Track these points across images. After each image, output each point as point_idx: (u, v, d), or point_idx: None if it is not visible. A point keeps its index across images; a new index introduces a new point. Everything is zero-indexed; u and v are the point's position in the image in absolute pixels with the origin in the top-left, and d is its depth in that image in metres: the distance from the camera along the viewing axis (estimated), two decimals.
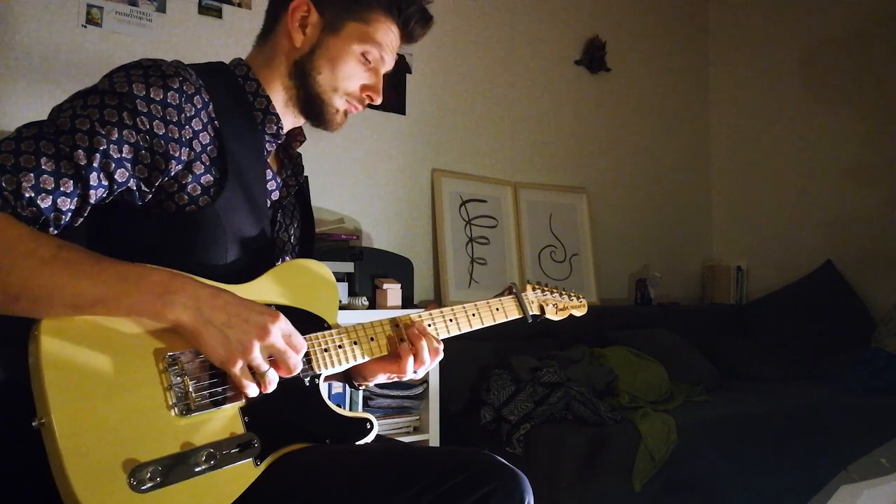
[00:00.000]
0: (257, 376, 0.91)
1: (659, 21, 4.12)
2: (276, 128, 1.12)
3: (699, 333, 3.44)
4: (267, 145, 1.12)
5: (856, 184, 3.65)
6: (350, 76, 1.12)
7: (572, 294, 1.47)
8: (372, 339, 1.10)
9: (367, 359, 1.09)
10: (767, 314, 3.70)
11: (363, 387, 1.25)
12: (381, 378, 1.18)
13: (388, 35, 1.12)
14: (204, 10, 2.55)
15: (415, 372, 1.13)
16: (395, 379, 1.18)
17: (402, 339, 1.13)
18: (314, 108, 1.13)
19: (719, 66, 4.34)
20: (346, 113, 1.16)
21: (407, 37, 1.17)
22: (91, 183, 0.88)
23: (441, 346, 1.15)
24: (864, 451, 1.79)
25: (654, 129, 4.06)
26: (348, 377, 1.24)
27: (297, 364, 0.93)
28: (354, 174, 2.92)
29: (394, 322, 1.14)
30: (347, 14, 1.10)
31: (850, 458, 1.76)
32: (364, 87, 1.14)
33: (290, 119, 1.15)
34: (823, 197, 3.78)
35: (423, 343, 1.12)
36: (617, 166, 3.87)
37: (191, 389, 0.88)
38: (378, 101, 1.16)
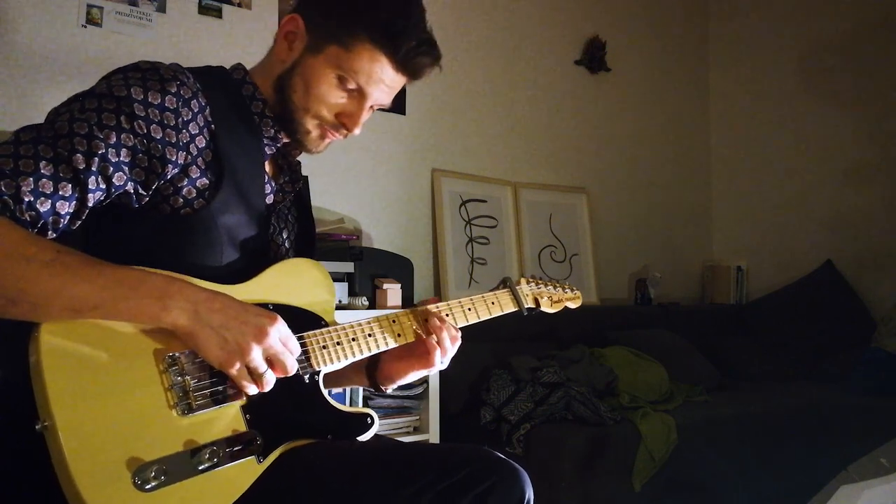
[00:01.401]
0: (254, 377, 0.91)
1: (659, 21, 4.12)
2: (273, 131, 1.11)
3: (699, 333, 3.44)
4: (266, 149, 1.12)
5: (856, 184, 3.65)
6: (322, 100, 1.07)
7: (566, 286, 1.47)
8: (369, 335, 1.10)
9: (364, 355, 1.09)
10: (767, 314, 3.70)
11: (388, 389, 1.24)
12: (413, 375, 1.19)
13: (372, 65, 1.05)
14: (204, 10, 2.55)
15: (441, 362, 1.15)
16: (424, 372, 1.19)
17: (399, 335, 1.13)
18: (288, 126, 1.10)
19: (719, 67, 4.34)
20: (321, 137, 1.11)
21: (402, 69, 1.07)
22: (89, 187, 0.89)
23: (458, 333, 1.18)
24: (864, 451, 1.80)
25: (654, 129, 4.06)
26: (374, 381, 1.23)
27: (293, 366, 0.94)
28: (354, 174, 2.92)
29: (391, 318, 1.14)
30: (331, 37, 1.05)
31: (850, 458, 1.76)
32: (340, 115, 1.08)
33: None
34: (823, 197, 3.78)
35: (444, 332, 1.14)
36: (617, 166, 3.88)
37: (191, 389, 0.88)
38: (354, 131, 1.10)
